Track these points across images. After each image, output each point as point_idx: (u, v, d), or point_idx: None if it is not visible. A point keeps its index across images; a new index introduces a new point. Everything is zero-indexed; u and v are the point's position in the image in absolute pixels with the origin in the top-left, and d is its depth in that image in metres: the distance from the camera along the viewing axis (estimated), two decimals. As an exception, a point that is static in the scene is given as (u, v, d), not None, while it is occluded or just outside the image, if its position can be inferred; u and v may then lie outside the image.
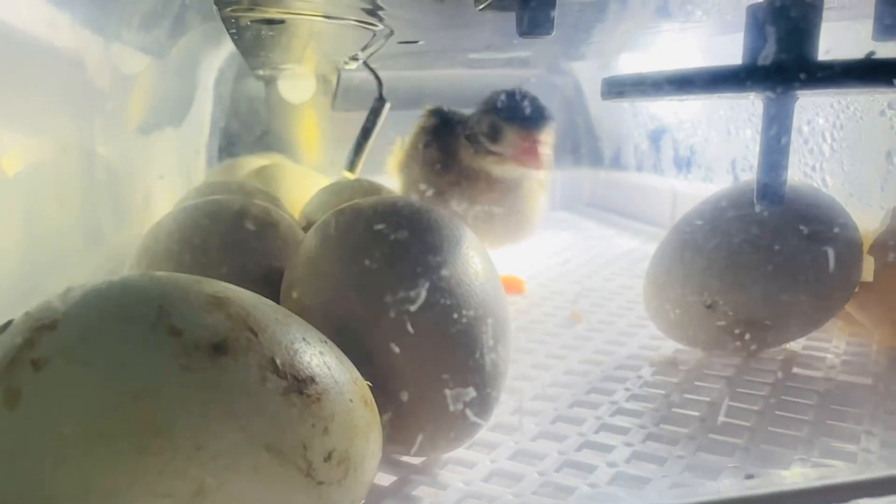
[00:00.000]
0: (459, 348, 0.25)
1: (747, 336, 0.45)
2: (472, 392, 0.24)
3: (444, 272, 0.23)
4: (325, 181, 0.74)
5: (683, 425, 0.37)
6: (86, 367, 0.20)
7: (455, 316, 0.24)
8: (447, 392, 0.24)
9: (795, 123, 0.66)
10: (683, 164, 0.86)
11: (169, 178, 0.75)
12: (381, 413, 0.25)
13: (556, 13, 0.27)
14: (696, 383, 0.43)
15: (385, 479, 0.31)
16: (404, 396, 0.25)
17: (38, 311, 0.22)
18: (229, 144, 0.96)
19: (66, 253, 0.49)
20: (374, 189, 0.57)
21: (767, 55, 0.23)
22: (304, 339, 0.24)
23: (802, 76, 0.23)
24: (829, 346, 0.49)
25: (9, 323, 0.23)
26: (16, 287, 0.41)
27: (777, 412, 0.38)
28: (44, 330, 0.21)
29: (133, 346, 0.21)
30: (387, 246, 0.25)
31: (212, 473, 0.21)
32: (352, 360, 0.25)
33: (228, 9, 0.36)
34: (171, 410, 0.20)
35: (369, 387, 0.26)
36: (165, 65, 0.70)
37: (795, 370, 0.45)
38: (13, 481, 0.20)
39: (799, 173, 0.63)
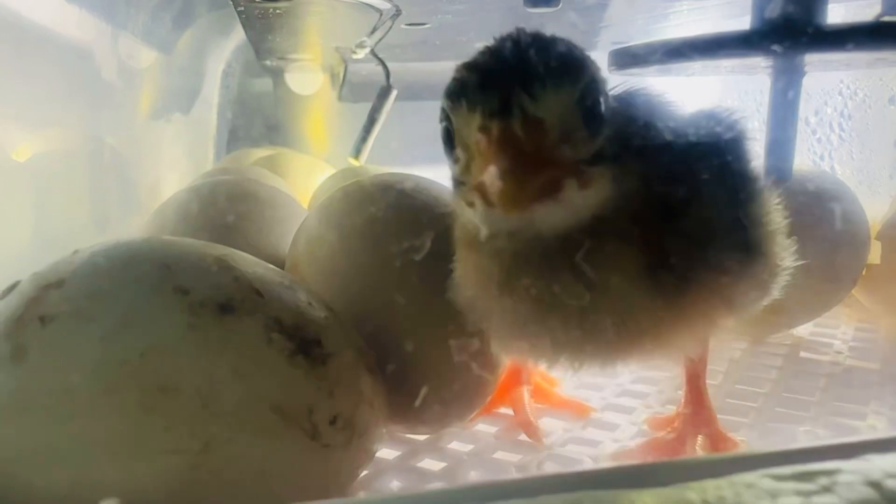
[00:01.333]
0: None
1: (756, 320, 0.45)
2: (476, 343, 0.24)
3: (449, 222, 0.23)
4: (330, 170, 0.74)
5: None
6: (92, 323, 0.21)
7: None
8: (452, 342, 0.24)
9: (805, 112, 0.66)
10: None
11: (177, 166, 0.75)
12: (386, 364, 0.25)
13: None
14: (703, 366, 0.43)
15: (390, 454, 0.32)
16: (409, 346, 0.24)
17: (45, 270, 0.22)
18: (237, 135, 0.97)
19: (77, 239, 0.50)
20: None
21: (774, 10, 0.23)
22: (309, 303, 0.24)
23: (807, 36, 0.23)
24: (837, 332, 0.49)
25: (16, 283, 0.23)
26: (28, 272, 0.41)
27: (784, 393, 0.38)
28: (51, 288, 0.21)
29: (140, 304, 0.21)
30: (393, 195, 0.25)
31: (217, 431, 0.21)
32: (357, 315, 0.25)
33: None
34: (177, 368, 0.20)
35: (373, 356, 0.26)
36: (173, 56, 0.71)
37: (803, 354, 0.45)
38: (21, 434, 0.20)
39: (809, 160, 0.63)
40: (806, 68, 0.31)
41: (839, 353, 0.45)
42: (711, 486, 0.17)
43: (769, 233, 0.27)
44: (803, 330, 0.48)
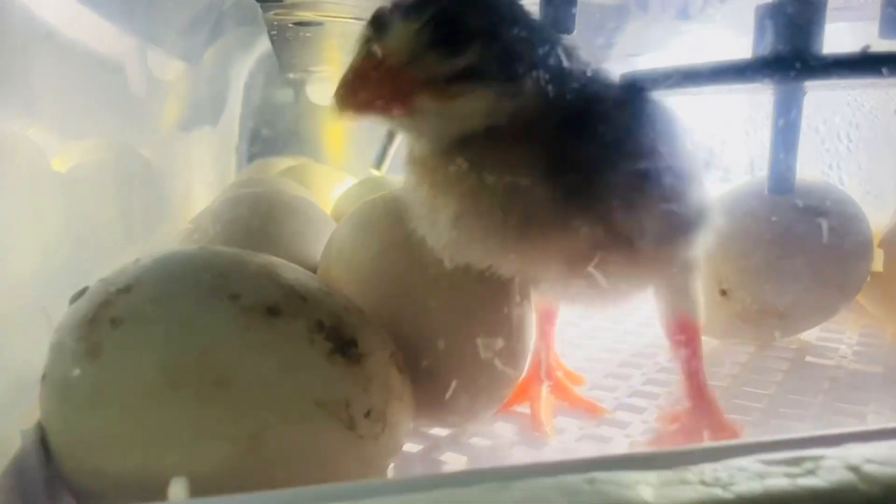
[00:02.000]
0: (490, 302, 0.27)
1: (762, 325, 0.47)
2: (500, 342, 0.27)
3: None
4: (349, 179, 0.77)
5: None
6: (157, 325, 0.23)
7: (487, 274, 0.26)
8: (479, 341, 0.27)
9: (813, 122, 0.67)
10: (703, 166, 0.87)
11: (204, 176, 0.78)
12: (419, 361, 0.27)
13: (576, 11, 0.29)
14: (712, 369, 0.44)
15: (414, 448, 0.34)
16: (441, 345, 0.27)
17: (113, 277, 0.25)
18: (258, 145, 1.00)
19: (111, 246, 0.52)
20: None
21: (768, 47, 0.25)
22: (346, 308, 0.27)
23: (798, 67, 0.25)
24: (843, 337, 0.50)
25: (85, 289, 0.26)
26: (65, 277, 0.44)
27: (788, 395, 0.40)
28: (120, 293, 0.24)
29: (197, 308, 0.24)
30: None
31: (266, 421, 0.23)
32: (389, 317, 0.27)
33: (272, 12, 0.39)
34: (230, 365, 0.23)
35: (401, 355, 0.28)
36: (202, 69, 0.74)
37: (808, 359, 0.46)
38: (94, 423, 0.23)
39: (817, 170, 0.64)
40: (806, 88, 0.33)
41: (843, 357, 0.46)
42: (709, 469, 0.19)
43: (676, 169, 0.29)
44: (810, 335, 0.50)
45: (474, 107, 0.25)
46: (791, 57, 0.25)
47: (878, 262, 0.47)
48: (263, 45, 0.81)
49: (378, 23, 0.25)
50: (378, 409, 0.26)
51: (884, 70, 0.24)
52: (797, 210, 0.45)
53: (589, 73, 0.27)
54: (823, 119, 0.65)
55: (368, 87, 0.25)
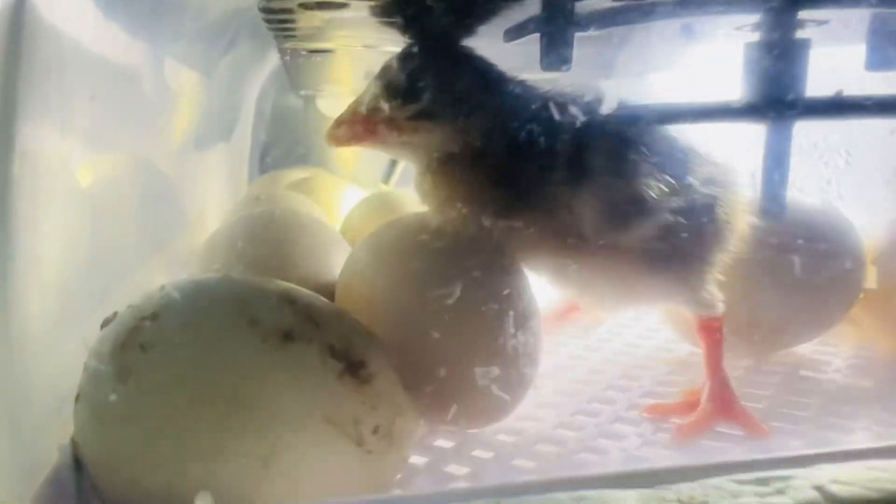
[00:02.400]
0: (485, 334, 0.29)
1: (756, 339, 0.48)
2: (496, 370, 0.29)
3: (475, 273, 0.29)
4: (358, 190, 0.79)
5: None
6: (183, 349, 0.25)
7: (483, 309, 0.29)
8: (476, 370, 0.29)
9: (813, 139, 0.69)
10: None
11: (219, 188, 0.80)
12: (423, 386, 0.30)
13: (573, 51, 0.31)
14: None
15: (420, 461, 0.36)
16: (441, 373, 0.30)
17: (140, 304, 0.27)
18: (269, 157, 1.01)
19: (132, 258, 0.54)
20: (407, 200, 0.61)
21: (751, 90, 0.27)
22: (355, 331, 0.29)
23: (774, 112, 0.27)
24: (837, 350, 0.52)
25: (115, 315, 0.28)
26: (88, 288, 0.46)
27: (779, 409, 0.42)
28: (147, 319, 0.26)
29: (220, 333, 0.26)
30: (428, 252, 0.30)
31: (283, 438, 0.25)
32: (398, 344, 0.29)
33: (288, 43, 0.41)
34: (250, 385, 0.25)
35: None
36: (217, 83, 0.76)
37: (802, 372, 0.48)
38: (125, 440, 0.25)
39: (815, 187, 0.66)
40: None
41: (837, 371, 0.48)
42: (685, 488, 0.21)
43: (622, 167, 0.34)
44: (805, 349, 0.51)
45: (429, 138, 0.34)
46: (775, 99, 0.27)
47: (871, 279, 0.49)
48: (275, 59, 0.83)
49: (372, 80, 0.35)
50: (385, 425, 0.28)
51: (851, 114, 0.26)
52: (791, 229, 0.47)
53: (537, 103, 0.34)
54: (824, 136, 0.67)
55: (349, 125, 0.35)
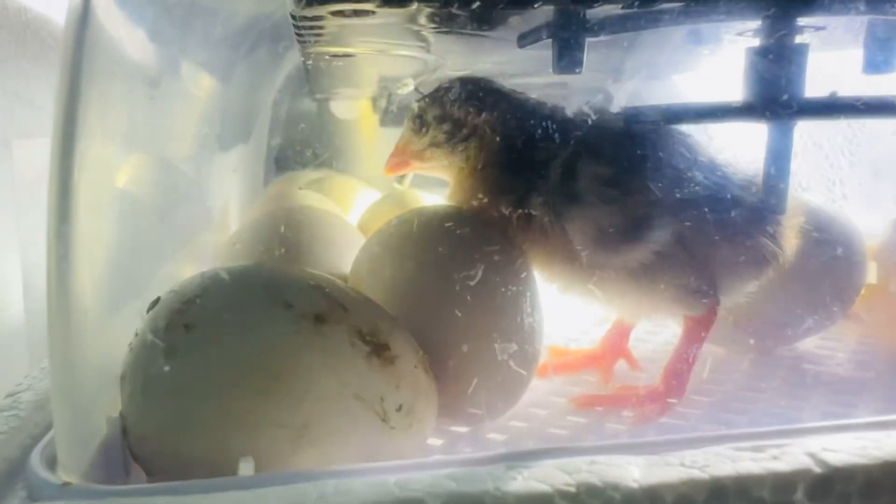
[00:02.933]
0: (505, 313, 0.32)
1: (762, 334, 0.50)
2: (514, 346, 0.31)
3: (496, 258, 0.31)
4: (372, 192, 0.81)
5: (695, 407, 0.42)
6: (223, 329, 0.27)
7: (503, 290, 0.31)
8: (496, 346, 0.31)
9: (818, 140, 0.70)
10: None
11: (239, 189, 0.82)
12: (447, 360, 0.32)
13: (584, 55, 0.33)
14: (713, 374, 0.48)
15: (437, 442, 0.38)
16: (464, 348, 0.32)
17: (182, 289, 0.29)
18: (285, 159, 1.04)
19: (161, 252, 0.57)
20: (420, 200, 0.64)
21: (752, 92, 0.29)
22: (380, 316, 0.31)
23: (771, 112, 0.29)
24: (840, 345, 0.53)
25: (158, 299, 0.30)
26: (128, 279, 0.48)
27: (783, 399, 0.43)
28: (190, 302, 0.28)
29: (258, 315, 0.28)
30: (456, 238, 0.33)
31: (314, 411, 0.27)
32: (424, 323, 0.31)
33: (313, 48, 0.44)
34: (286, 363, 0.27)
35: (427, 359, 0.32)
36: (238, 86, 0.78)
37: (806, 366, 0.49)
38: (172, 415, 0.27)
39: (822, 187, 0.67)
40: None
41: (840, 364, 0.49)
42: (689, 454, 0.23)
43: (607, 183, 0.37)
44: (809, 343, 0.53)
45: (441, 162, 0.42)
46: (774, 99, 0.29)
47: (872, 275, 0.50)
48: (291, 64, 0.85)
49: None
50: (408, 404, 0.30)
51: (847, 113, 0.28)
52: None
53: (534, 119, 0.40)
54: (828, 137, 0.68)
55: (393, 156, 0.44)
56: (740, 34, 0.35)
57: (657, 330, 0.57)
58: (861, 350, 0.52)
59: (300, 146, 1.04)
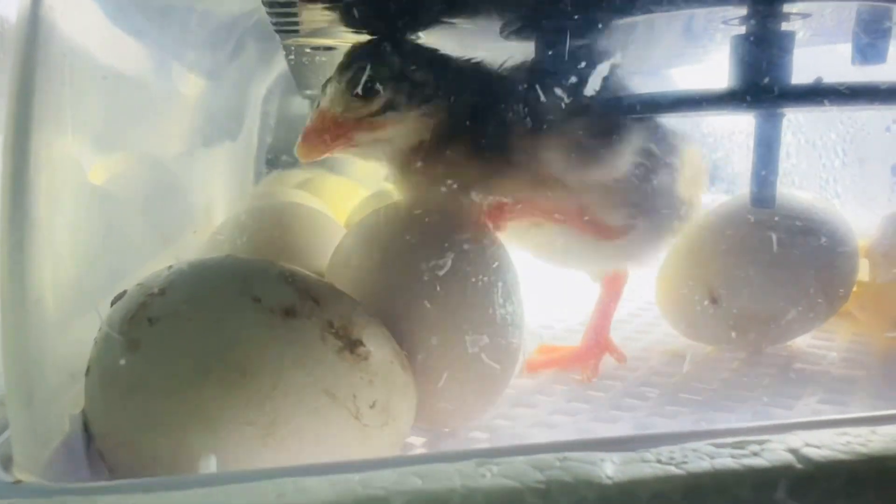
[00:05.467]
0: (476, 304, 0.31)
1: (752, 332, 0.49)
2: (485, 339, 0.30)
3: (466, 246, 0.30)
4: (362, 190, 0.81)
5: (685, 405, 0.41)
6: (189, 322, 0.26)
7: (473, 280, 0.30)
8: (466, 338, 0.30)
9: (810, 137, 0.70)
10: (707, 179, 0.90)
11: (225, 188, 0.82)
12: (416, 354, 0.31)
13: (568, 51, 0.32)
14: (703, 373, 0.47)
15: (418, 441, 0.37)
16: (434, 341, 0.31)
17: (148, 281, 0.28)
18: (274, 158, 1.03)
19: (141, 253, 0.56)
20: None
21: (736, 79, 0.28)
22: (354, 309, 0.30)
23: (754, 98, 0.28)
24: (832, 343, 0.52)
25: (124, 292, 0.29)
26: (100, 277, 0.47)
27: (774, 398, 0.42)
28: (155, 295, 0.27)
29: (224, 308, 0.27)
30: (422, 220, 0.32)
31: (283, 409, 0.26)
32: (392, 315, 0.30)
33: (290, 39, 0.43)
34: (253, 357, 0.26)
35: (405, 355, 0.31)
36: (224, 84, 0.77)
37: (797, 364, 0.49)
38: (134, 411, 0.26)
39: (814, 184, 0.66)
40: (784, 111, 0.35)
41: (832, 363, 0.49)
42: (665, 450, 0.22)
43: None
44: (801, 341, 0.52)
45: (399, 128, 0.35)
46: (760, 86, 0.28)
47: (863, 272, 0.50)
48: (281, 62, 0.85)
49: (323, 87, 0.36)
50: (382, 401, 0.29)
51: (827, 101, 0.27)
52: (785, 222, 0.47)
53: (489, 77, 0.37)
54: (820, 135, 0.67)
55: (318, 135, 0.35)
56: (726, 22, 0.35)
57: (647, 329, 0.57)
58: (853, 348, 0.51)
59: (289, 145, 1.03)
